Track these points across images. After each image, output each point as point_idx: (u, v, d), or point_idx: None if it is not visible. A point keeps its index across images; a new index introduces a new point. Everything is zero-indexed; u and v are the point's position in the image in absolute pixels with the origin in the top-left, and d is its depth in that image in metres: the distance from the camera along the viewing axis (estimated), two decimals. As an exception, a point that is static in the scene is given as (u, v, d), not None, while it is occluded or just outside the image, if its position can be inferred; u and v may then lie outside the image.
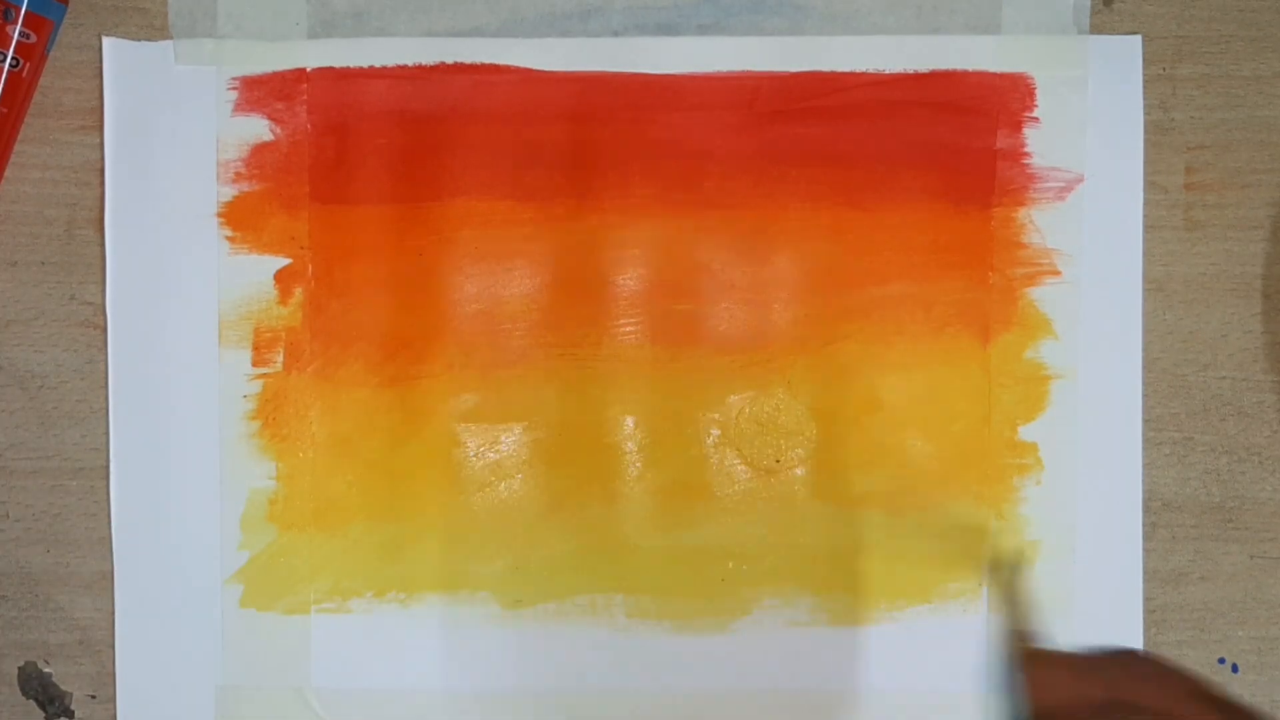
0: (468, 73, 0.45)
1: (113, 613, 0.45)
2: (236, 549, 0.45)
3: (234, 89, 0.45)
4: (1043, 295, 0.45)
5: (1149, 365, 0.45)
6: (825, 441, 0.45)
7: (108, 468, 0.45)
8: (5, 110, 0.43)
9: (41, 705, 0.45)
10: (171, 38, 0.45)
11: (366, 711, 0.45)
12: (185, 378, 0.45)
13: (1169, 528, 0.45)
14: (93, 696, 0.45)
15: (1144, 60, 0.45)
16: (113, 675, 0.45)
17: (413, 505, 0.45)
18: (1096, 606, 0.45)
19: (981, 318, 0.45)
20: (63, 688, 0.45)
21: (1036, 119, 0.45)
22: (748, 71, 0.45)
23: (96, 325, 0.45)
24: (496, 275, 0.45)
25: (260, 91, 0.45)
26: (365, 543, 0.45)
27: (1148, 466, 0.45)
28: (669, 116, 0.45)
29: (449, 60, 0.45)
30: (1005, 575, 0.44)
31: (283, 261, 0.45)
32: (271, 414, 0.45)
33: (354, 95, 0.45)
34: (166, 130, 0.45)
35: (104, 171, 0.45)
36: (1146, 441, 0.45)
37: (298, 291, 0.45)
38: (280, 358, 0.45)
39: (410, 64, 0.45)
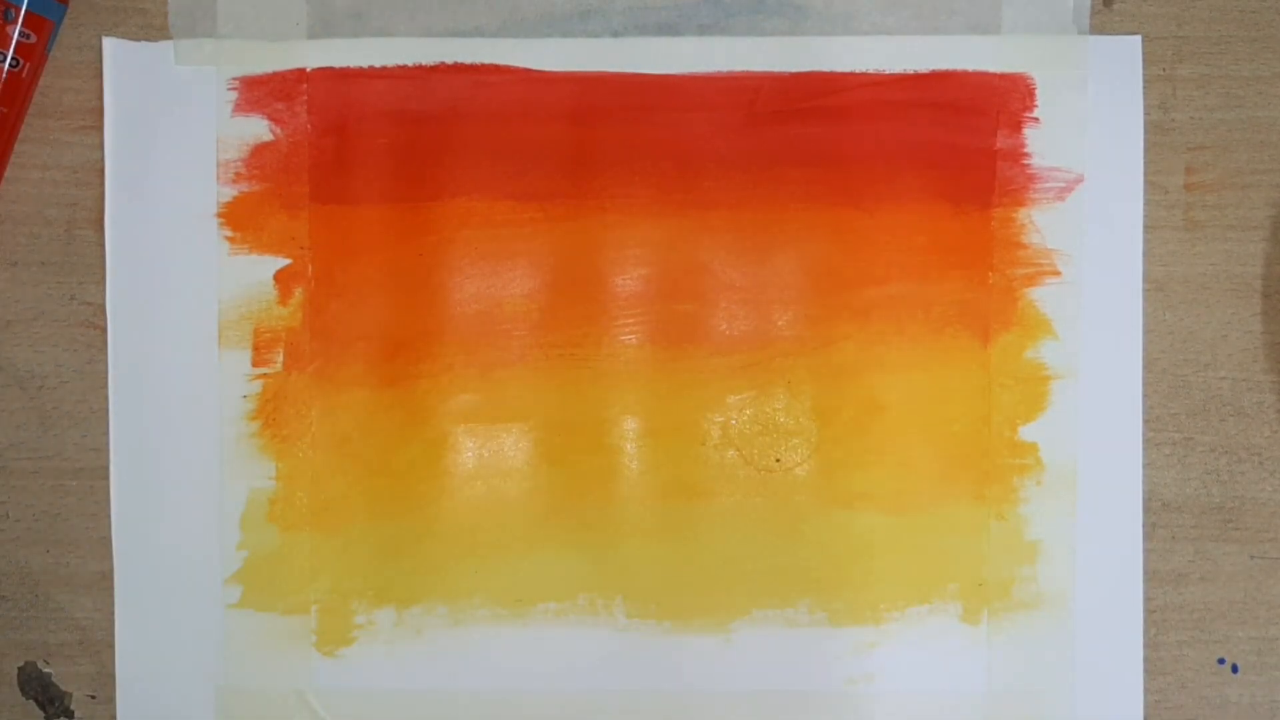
0: (468, 73, 0.45)
1: (113, 613, 0.45)
2: (236, 549, 0.45)
3: (234, 89, 0.45)
4: (1043, 295, 0.45)
5: (1149, 365, 0.45)
6: (825, 441, 0.45)
7: (108, 468, 0.45)
8: (5, 110, 0.43)
9: (41, 705, 0.45)
10: (171, 38, 0.45)
11: (368, 712, 0.45)
12: (185, 378, 0.45)
13: (1169, 528, 0.45)
14: (93, 696, 0.45)
15: (1144, 60, 0.45)
16: (113, 675, 0.45)
17: (413, 505, 0.45)
18: (1096, 607, 0.45)
19: (981, 318, 0.45)
20: (63, 688, 0.45)
21: (1036, 119, 0.45)
22: (748, 72, 0.45)
23: (96, 325, 0.45)
24: (496, 275, 0.45)
25: (260, 92, 0.45)
26: (365, 543, 0.45)
27: (1148, 466, 0.45)
28: (669, 117, 0.45)
29: (449, 60, 0.45)
30: None
31: (283, 262, 0.45)
32: (271, 414, 0.45)
33: (354, 95, 0.45)
34: (166, 130, 0.45)
35: (104, 171, 0.45)
36: (1146, 441, 0.45)
37: (298, 292, 0.45)
38: (280, 358, 0.45)
39: (410, 64, 0.45)
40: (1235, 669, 0.45)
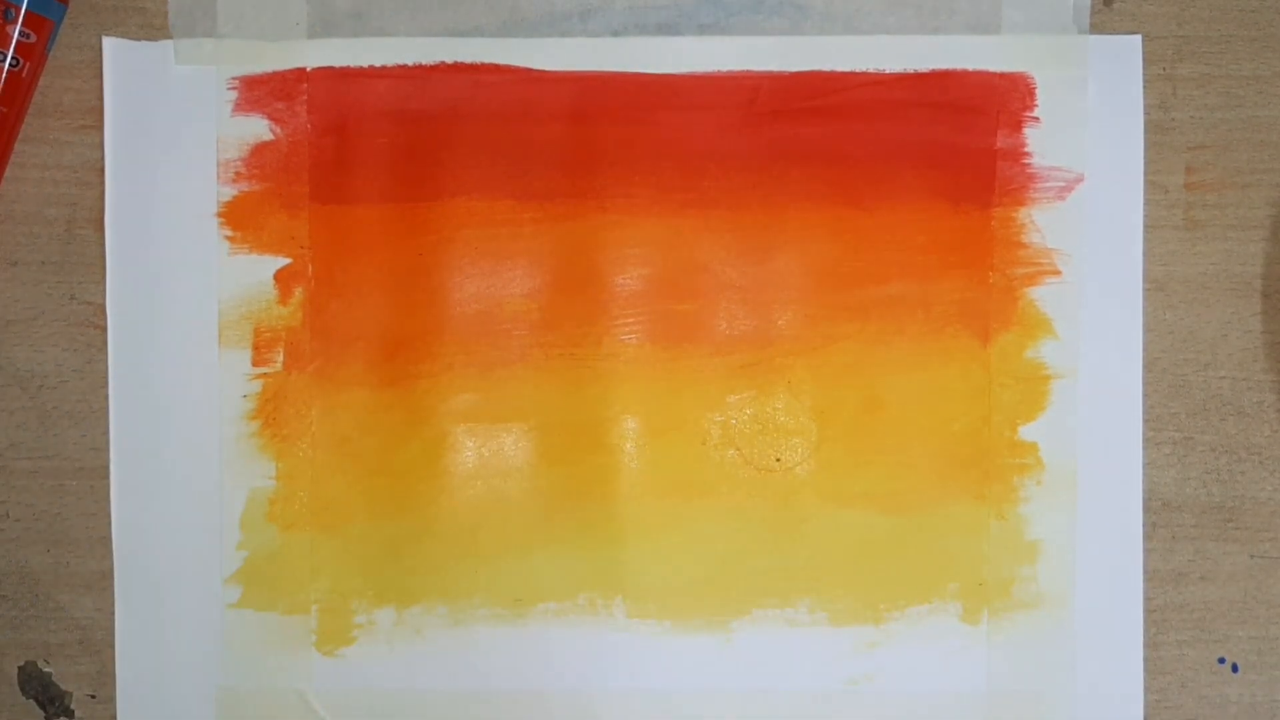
0: (468, 73, 0.45)
1: (113, 613, 0.45)
2: (236, 549, 0.45)
3: (234, 89, 0.45)
4: (1043, 295, 0.45)
5: (1149, 365, 0.45)
6: (825, 441, 0.45)
7: (108, 468, 0.45)
8: (5, 110, 0.43)
9: (41, 705, 0.45)
10: (171, 38, 0.45)
11: (368, 712, 0.45)
12: (185, 378, 0.45)
13: (1169, 528, 0.45)
14: (93, 696, 0.45)
15: (1144, 60, 0.45)
16: (113, 675, 0.45)
17: (413, 505, 0.45)
18: (1096, 607, 0.45)
19: (981, 317, 0.45)
20: (63, 688, 0.45)
21: (1037, 119, 0.45)
22: (748, 71, 0.45)
23: (96, 325, 0.45)
24: (496, 275, 0.45)
25: (260, 91, 0.45)
26: (365, 543, 0.45)
27: (1148, 466, 0.45)
28: (669, 116, 0.45)
29: (449, 60, 0.45)
30: None
31: (283, 261, 0.45)
32: (271, 414, 0.45)
33: (354, 95, 0.45)
34: (167, 130, 0.45)
35: (104, 171, 0.45)
36: (1146, 441, 0.45)
37: (298, 291, 0.45)
38: (280, 357, 0.45)
39: (410, 64, 0.45)
40: (1235, 668, 0.45)
